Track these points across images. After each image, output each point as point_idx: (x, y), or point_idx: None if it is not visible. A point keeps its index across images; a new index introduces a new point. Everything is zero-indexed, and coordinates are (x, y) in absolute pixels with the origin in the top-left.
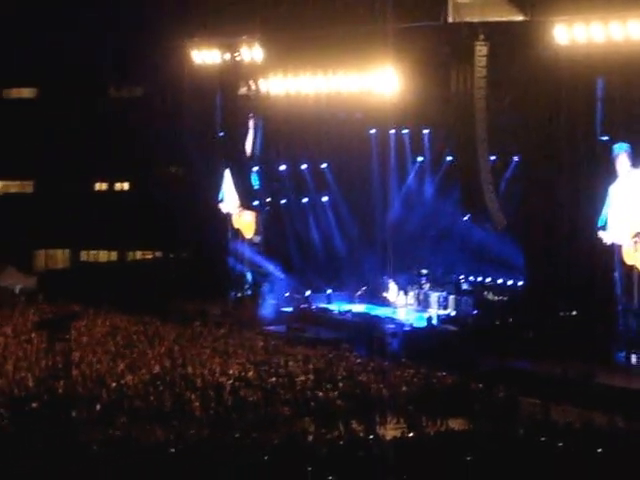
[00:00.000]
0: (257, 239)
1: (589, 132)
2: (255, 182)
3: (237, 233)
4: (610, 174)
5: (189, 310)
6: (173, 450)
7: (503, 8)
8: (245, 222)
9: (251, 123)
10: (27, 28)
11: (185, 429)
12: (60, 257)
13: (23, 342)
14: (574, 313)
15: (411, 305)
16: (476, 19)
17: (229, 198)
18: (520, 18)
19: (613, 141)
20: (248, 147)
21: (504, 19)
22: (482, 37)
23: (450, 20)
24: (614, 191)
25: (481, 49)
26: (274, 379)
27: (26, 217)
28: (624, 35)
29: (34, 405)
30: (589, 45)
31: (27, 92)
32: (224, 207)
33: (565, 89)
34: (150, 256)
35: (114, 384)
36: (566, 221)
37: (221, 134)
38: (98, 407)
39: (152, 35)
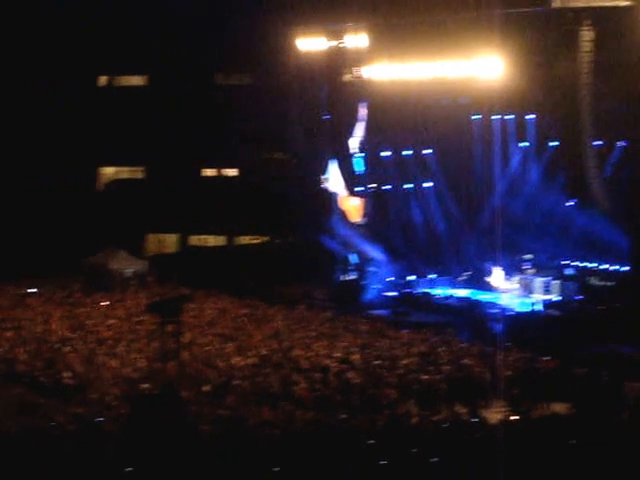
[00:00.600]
0: (362, 224)
1: None
2: (359, 168)
3: (343, 216)
4: None
5: (295, 294)
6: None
7: None
8: (352, 206)
9: (359, 109)
10: (135, 17)
11: (292, 410)
12: (170, 241)
13: (135, 324)
14: None
15: (515, 290)
16: (581, 4)
17: (335, 182)
18: (625, 3)
19: None
20: (355, 133)
21: (609, 4)
22: (587, 22)
23: (555, 6)
24: None
25: (586, 34)
26: (378, 362)
27: (138, 202)
28: None
29: (145, 386)
30: None
31: (137, 80)
32: (332, 188)
33: None
34: (257, 241)
35: (223, 365)
36: None
37: (326, 119)
38: (207, 388)
39: (259, 23)
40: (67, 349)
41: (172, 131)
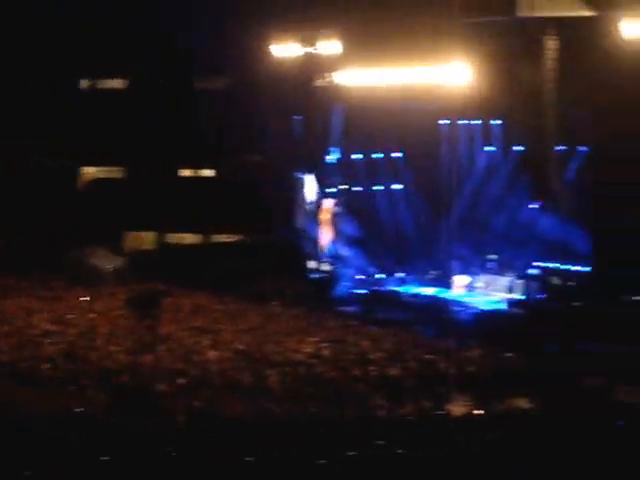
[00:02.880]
0: (333, 224)
1: None
2: (332, 170)
3: (316, 216)
4: None
5: (268, 290)
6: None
7: (573, 3)
8: (324, 206)
9: (332, 113)
10: (114, 23)
11: (263, 402)
12: (148, 239)
13: (114, 318)
14: (637, 298)
15: (480, 289)
16: (546, 14)
17: (309, 184)
18: (589, 13)
19: None
20: (328, 137)
21: (573, 14)
22: (552, 31)
23: (521, 15)
24: None
25: (551, 43)
26: (348, 357)
27: (117, 201)
28: None
29: (123, 378)
30: None
31: (117, 83)
32: (306, 189)
33: (630, 83)
34: (232, 239)
35: (198, 359)
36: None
37: (299, 122)
38: (183, 380)
39: (234, 28)
40: (48, 342)
41: (151, 133)
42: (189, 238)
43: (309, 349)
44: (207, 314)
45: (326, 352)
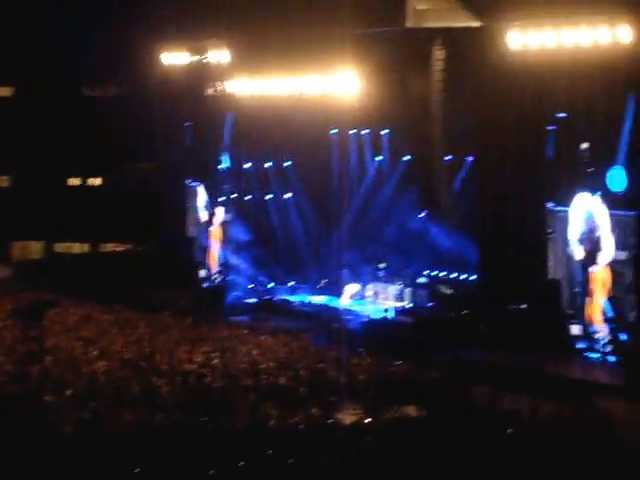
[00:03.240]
0: (225, 232)
1: (540, 134)
2: (223, 179)
3: (207, 225)
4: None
5: (158, 300)
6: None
7: (460, 14)
8: (216, 215)
9: (223, 122)
10: (2, 29)
11: (153, 413)
12: (35, 248)
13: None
14: (524, 306)
15: (369, 297)
16: (434, 25)
17: (199, 192)
18: (476, 24)
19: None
20: (219, 145)
21: (460, 25)
22: (439, 42)
23: (409, 25)
24: None
25: (438, 54)
26: (238, 366)
27: (3, 210)
28: (574, 41)
29: (12, 388)
30: (541, 50)
31: (4, 91)
32: (196, 198)
33: (515, 93)
34: (121, 248)
35: (86, 369)
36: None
37: (190, 131)
38: (70, 391)
39: (125, 36)
40: None
41: (38, 141)
42: (78, 247)
43: (200, 359)
44: (96, 324)
45: (217, 362)
